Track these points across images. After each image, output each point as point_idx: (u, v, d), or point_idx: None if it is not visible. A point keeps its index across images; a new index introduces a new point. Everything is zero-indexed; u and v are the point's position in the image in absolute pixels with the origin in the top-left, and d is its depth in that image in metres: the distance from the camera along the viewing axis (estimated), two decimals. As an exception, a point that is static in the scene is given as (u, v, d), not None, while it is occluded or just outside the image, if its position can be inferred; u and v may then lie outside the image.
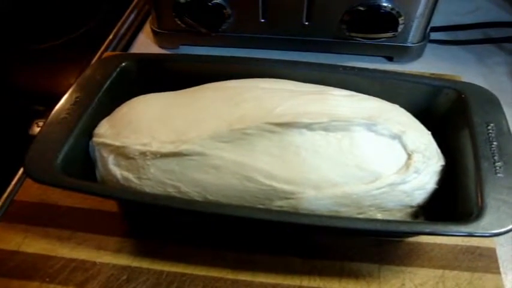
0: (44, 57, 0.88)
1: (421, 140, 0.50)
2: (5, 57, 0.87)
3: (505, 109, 0.52)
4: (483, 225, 0.42)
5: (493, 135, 0.49)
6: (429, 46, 0.80)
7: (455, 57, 0.81)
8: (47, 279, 0.52)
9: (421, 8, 0.70)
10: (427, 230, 0.44)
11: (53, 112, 0.52)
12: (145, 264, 0.53)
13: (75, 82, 0.56)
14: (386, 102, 0.54)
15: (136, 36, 0.89)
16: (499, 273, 0.52)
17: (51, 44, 0.89)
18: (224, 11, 0.74)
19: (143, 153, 0.49)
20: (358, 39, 0.75)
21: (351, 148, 0.48)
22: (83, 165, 0.52)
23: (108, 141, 0.51)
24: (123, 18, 0.91)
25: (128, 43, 0.88)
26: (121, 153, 0.50)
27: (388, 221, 0.48)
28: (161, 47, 0.84)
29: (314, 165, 0.47)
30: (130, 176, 0.50)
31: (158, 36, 0.83)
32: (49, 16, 0.98)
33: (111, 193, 0.50)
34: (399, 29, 0.72)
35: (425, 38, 0.77)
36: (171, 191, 0.49)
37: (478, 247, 0.54)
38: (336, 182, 0.47)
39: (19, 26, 0.94)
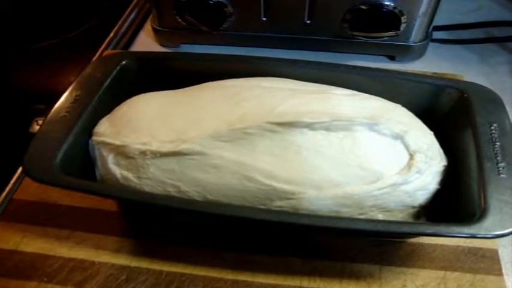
0: (45, 55, 0.88)
1: (424, 140, 0.49)
2: (5, 56, 0.87)
3: (508, 109, 0.52)
4: (486, 226, 0.42)
5: (496, 135, 0.48)
6: (431, 45, 0.79)
7: (458, 57, 0.81)
8: (45, 279, 0.51)
9: (423, 7, 0.70)
10: (429, 231, 0.44)
11: (53, 110, 0.52)
12: (144, 264, 0.53)
13: (75, 80, 0.56)
14: (388, 101, 0.54)
15: (137, 34, 0.88)
16: (501, 274, 0.51)
17: (52, 42, 0.89)
18: (225, 9, 0.73)
19: (143, 153, 0.49)
20: (360, 38, 0.74)
21: (352, 148, 0.47)
22: (82, 164, 0.52)
23: (108, 140, 0.51)
24: (124, 16, 0.91)
25: (129, 41, 0.88)
26: (121, 152, 0.50)
27: (390, 222, 0.47)
28: (162, 45, 0.84)
29: (315, 165, 0.47)
30: (130, 176, 0.49)
31: (159, 35, 0.83)
32: (50, 14, 0.98)
33: (111, 192, 0.49)
34: (401, 28, 0.71)
35: (427, 37, 0.77)
36: (171, 190, 0.48)
37: (480, 248, 0.53)
38: (337, 182, 0.47)
39: (20, 25, 0.94)
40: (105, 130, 0.52)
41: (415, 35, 0.75)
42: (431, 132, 0.52)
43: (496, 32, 0.83)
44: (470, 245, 0.54)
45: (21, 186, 0.60)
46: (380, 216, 0.48)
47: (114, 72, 0.57)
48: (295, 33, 0.77)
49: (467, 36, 0.84)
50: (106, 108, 0.55)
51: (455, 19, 0.86)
